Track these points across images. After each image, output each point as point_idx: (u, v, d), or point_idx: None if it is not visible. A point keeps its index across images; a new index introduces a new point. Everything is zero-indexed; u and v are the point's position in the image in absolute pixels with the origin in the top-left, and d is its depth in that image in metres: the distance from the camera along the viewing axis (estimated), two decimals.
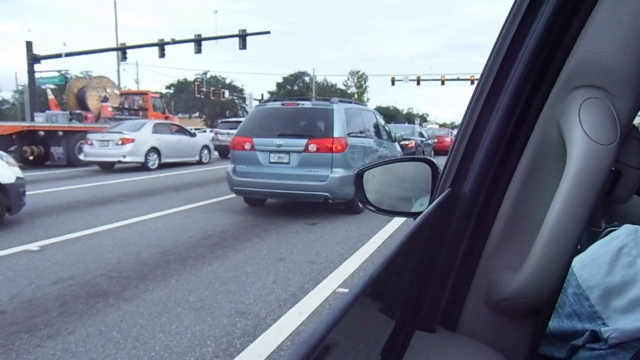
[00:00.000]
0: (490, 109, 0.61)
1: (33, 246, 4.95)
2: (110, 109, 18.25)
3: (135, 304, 3.38)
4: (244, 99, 49.08)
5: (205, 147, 16.50)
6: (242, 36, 22.21)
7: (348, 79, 60.86)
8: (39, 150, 14.36)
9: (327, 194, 6.30)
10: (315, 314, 3.24)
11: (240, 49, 22.31)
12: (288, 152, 6.50)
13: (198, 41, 22.54)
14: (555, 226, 0.50)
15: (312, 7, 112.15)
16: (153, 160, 13.76)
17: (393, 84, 35.47)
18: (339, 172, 6.30)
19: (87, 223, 6.10)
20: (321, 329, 0.26)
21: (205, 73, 50.56)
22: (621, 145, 0.51)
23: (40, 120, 15.36)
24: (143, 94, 21.18)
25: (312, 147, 6.38)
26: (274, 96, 43.03)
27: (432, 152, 20.29)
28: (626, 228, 0.68)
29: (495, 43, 0.61)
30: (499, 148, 0.60)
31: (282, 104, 7.11)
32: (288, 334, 2.93)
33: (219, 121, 25.64)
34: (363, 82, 60.80)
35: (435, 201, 0.61)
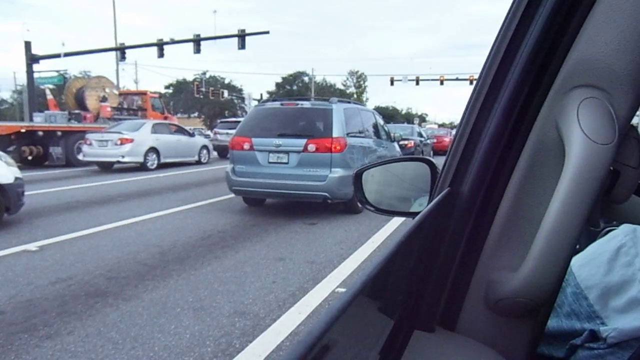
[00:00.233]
0: (489, 108, 0.61)
1: (32, 246, 4.94)
2: (109, 109, 18.22)
3: (134, 304, 3.38)
4: (243, 99, 49.07)
5: (204, 147, 16.49)
6: (241, 36, 22.20)
7: (347, 78, 60.90)
8: (37, 150, 14.34)
9: (326, 194, 6.31)
10: (315, 314, 3.24)
11: (239, 49, 22.29)
12: (287, 152, 6.50)
13: (197, 41, 22.52)
14: (554, 226, 0.50)
15: (312, 7, 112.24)
16: (152, 161, 13.75)
17: (392, 83, 35.47)
18: (338, 172, 6.30)
19: (86, 223, 6.10)
20: (319, 327, 0.26)
21: (204, 73, 50.51)
22: (619, 145, 0.51)
23: (39, 121, 15.33)
24: (142, 94, 21.14)
25: (311, 147, 6.38)
26: (273, 96, 43.02)
27: (431, 152, 20.31)
28: (625, 227, 0.68)
29: (494, 43, 0.61)
30: (498, 148, 0.60)
31: (281, 104, 7.11)
32: (287, 334, 2.92)
33: (218, 121, 25.64)
34: (362, 82, 60.82)
35: (434, 201, 0.61)
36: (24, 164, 13.32)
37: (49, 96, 19.21)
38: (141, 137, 13.41)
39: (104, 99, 18.35)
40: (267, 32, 22.84)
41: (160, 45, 22.76)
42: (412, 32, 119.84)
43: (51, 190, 9.17)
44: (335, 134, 6.41)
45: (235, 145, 6.89)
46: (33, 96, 21.49)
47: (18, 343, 2.78)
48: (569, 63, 0.54)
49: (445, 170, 0.67)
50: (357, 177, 1.13)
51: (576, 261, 0.71)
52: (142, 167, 13.45)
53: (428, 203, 0.82)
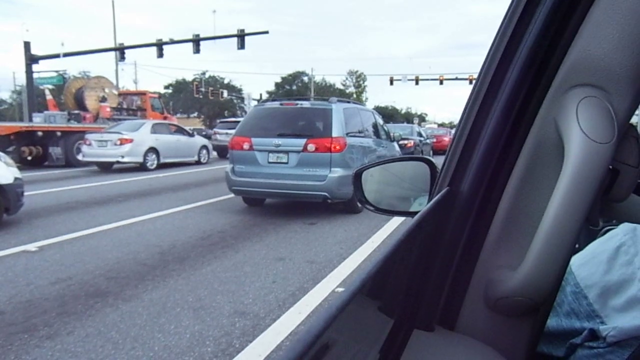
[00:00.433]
0: (488, 108, 0.61)
1: (31, 247, 4.94)
2: (108, 109, 18.22)
3: (134, 304, 3.38)
4: (242, 99, 49.08)
5: (204, 147, 16.48)
6: (241, 36, 22.20)
7: (346, 78, 60.88)
8: (37, 150, 14.34)
9: (325, 193, 6.30)
10: (315, 314, 3.24)
11: (238, 48, 22.31)
12: (287, 152, 6.50)
13: (196, 41, 22.53)
14: (553, 225, 0.50)
15: (312, 7, 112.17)
16: (152, 161, 13.75)
17: (392, 83, 35.48)
18: (337, 172, 6.30)
19: (86, 223, 6.09)
20: (318, 325, 0.26)
21: (203, 73, 50.49)
22: (619, 143, 0.51)
23: (38, 121, 15.33)
24: (141, 94, 21.15)
25: (311, 146, 6.38)
26: (273, 96, 43.01)
27: (431, 152, 20.32)
28: (624, 226, 0.68)
29: (493, 42, 0.61)
30: (497, 147, 0.60)
31: (281, 104, 7.11)
32: (287, 333, 2.92)
33: (218, 121, 25.62)
34: (361, 82, 60.82)
35: (434, 200, 0.61)
36: (23, 164, 13.31)
37: (49, 96, 19.20)
38: (141, 137, 13.40)
39: (103, 99, 18.35)
40: (267, 32, 22.86)
41: (159, 45, 22.77)
42: (412, 32, 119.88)
43: (51, 191, 9.17)
44: (334, 134, 6.41)
45: (234, 145, 6.88)
46: (32, 96, 21.50)
47: (18, 343, 2.78)
48: (568, 62, 0.54)
49: (445, 169, 0.67)
50: (357, 177, 1.13)
51: (576, 260, 0.71)
52: (141, 167, 13.44)
53: (427, 202, 0.82)
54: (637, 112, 0.57)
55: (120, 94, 20.76)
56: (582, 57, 0.53)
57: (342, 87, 59.49)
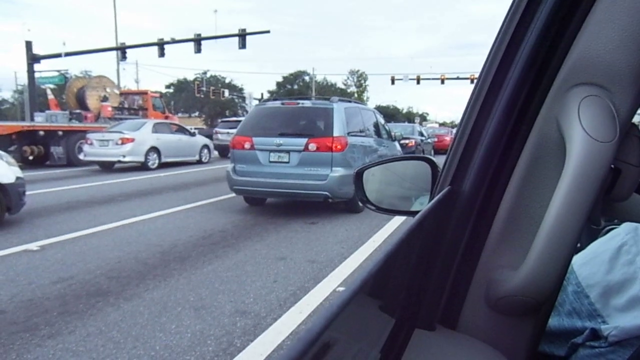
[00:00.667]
0: (490, 107, 0.61)
1: (33, 246, 4.95)
2: (110, 109, 18.25)
3: (135, 304, 3.38)
4: (243, 99, 49.03)
5: (205, 146, 16.50)
6: (242, 36, 22.19)
7: (348, 78, 60.87)
8: (38, 150, 14.36)
9: (327, 193, 6.31)
10: (316, 313, 3.24)
11: (239, 48, 22.29)
12: (288, 152, 6.50)
13: (198, 41, 22.52)
14: (555, 224, 0.50)
15: (312, 7, 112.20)
16: (153, 160, 13.76)
17: (393, 83, 35.47)
18: (338, 171, 6.30)
19: (87, 223, 6.10)
20: (319, 325, 0.25)
21: (205, 72, 50.45)
22: (621, 142, 0.51)
23: (40, 120, 15.37)
24: (143, 93, 21.18)
25: (312, 146, 6.38)
26: (274, 95, 43.07)
27: (432, 151, 20.31)
28: (626, 226, 0.68)
29: (494, 41, 0.61)
30: (498, 146, 0.60)
31: (282, 103, 7.11)
32: (288, 333, 2.93)
33: (219, 120, 25.63)
34: (363, 81, 60.79)
35: (435, 199, 0.60)
36: (25, 163, 13.32)
37: (50, 96, 19.23)
38: (142, 136, 13.42)
39: (104, 99, 18.38)
40: (268, 32, 22.84)
41: (161, 45, 22.76)
42: (413, 32, 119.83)
43: (52, 190, 9.18)
44: (336, 133, 6.41)
45: (236, 144, 6.89)
46: (34, 96, 21.52)
47: (19, 342, 2.79)
48: (570, 61, 0.54)
49: (446, 169, 0.67)
50: (358, 176, 1.13)
51: (577, 260, 0.70)
52: (143, 167, 13.46)
53: (429, 202, 0.82)
54: (639, 111, 0.56)
55: (121, 94, 20.81)
56: (584, 56, 0.52)
57: (343, 87, 59.50)
